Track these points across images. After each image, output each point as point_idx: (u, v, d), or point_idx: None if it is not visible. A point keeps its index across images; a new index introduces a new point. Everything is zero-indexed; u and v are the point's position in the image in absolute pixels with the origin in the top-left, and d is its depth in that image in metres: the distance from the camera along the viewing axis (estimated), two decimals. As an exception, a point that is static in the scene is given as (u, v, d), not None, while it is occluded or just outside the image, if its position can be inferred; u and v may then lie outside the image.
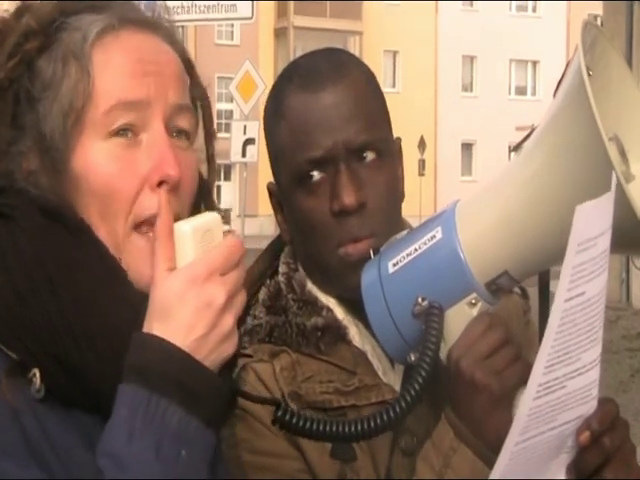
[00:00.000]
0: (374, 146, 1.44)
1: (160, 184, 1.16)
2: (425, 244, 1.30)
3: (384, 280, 1.33)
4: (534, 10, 42.14)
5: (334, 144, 1.41)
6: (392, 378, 1.47)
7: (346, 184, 1.40)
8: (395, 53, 39.27)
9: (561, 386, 1.13)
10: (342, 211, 1.41)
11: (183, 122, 1.21)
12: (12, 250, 1.11)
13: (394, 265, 1.32)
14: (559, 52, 37.72)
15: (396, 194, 1.49)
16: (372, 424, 1.23)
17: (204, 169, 1.30)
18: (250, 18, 9.81)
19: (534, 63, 41.18)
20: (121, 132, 1.16)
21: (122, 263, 1.15)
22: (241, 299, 1.14)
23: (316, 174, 1.42)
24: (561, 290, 1.07)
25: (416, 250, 1.30)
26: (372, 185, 1.43)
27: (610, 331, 10.59)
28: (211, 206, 1.30)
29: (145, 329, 1.09)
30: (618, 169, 1.09)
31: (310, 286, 1.51)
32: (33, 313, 1.09)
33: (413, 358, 1.28)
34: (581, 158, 1.14)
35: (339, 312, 1.49)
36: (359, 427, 1.23)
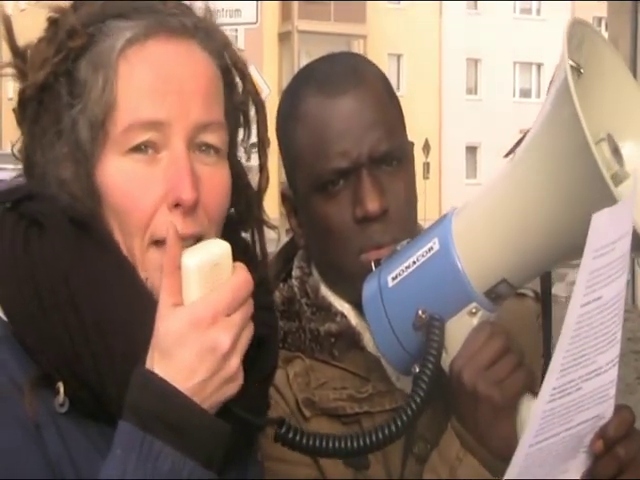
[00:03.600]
0: (394, 153, 1.44)
1: (176, 206, 1.13)
2: (423, 256, 1.29)
3: (384, 294, 1.33)
4: (538, 12, 42.10)
5: (359, 154, 1.41)
6: (406, 384, 1.45)
7: (369, 191, 1.40)
8: (399, 56, 39.23)
9: (577, 388, 1.12)
10: (365, 218, 1.40)
11: (210, 138, 1.17)
12: (42, 263, 1.10)
13: (393, 279, 1.32)
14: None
15: (414, 199, 1.49)
16: (373, 439, 1.23)
17: (255, 179, 1.27)
18: (255, 23, 9.79)
19: (538, 66, 41.12)
20: (141, 148, 1.13)
21: (148, 282, 1.13)
22: (247, 335, 1.09)
23: (338, 181, 1.42)
24: (577, 295, 1.06)
25: (414, 263, 1.30)
26: (393, 191, 1.43)
27: (617, 334, 10.55)
28: (259, 217, 1.28)
29: (148, 363, 1.06)
30: (606, 172, 1.09)
31: (324, 291, 1.51)
32: (56, 328, 1.08)
33: (417, 370, 1.28)
34: (571, 161, 1.14)
35: (353, 318, 1.49)
36: (360, 442, 1.22)
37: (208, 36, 1.20)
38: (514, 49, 40.17)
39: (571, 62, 1.16)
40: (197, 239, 1.12)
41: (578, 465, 1.22)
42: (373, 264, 1.39)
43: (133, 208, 1.13)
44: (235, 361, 1.07)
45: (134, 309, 1.10)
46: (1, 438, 1.04)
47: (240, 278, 1.09)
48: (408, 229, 1.44)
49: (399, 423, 1.23)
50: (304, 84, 1.47)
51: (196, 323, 1.05)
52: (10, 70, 1.19)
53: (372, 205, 1.40)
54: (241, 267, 1.10)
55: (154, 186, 1.13)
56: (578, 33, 1.20)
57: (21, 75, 1.19)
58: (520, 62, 41.30)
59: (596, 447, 1.20)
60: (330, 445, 1.22)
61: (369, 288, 1.35)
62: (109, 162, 1.13)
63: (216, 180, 1.18)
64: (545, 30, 39.37)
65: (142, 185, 1.13)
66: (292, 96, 1.49)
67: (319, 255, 1.50)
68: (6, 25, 1.18)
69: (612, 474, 1.22)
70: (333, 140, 1.42)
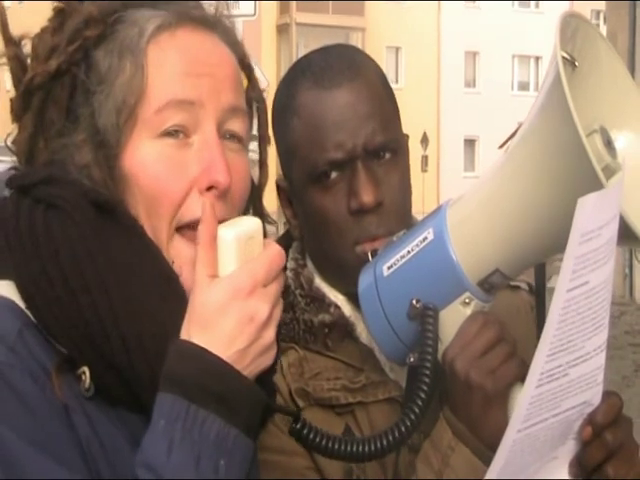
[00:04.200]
0: (389, 145, 1.45)
1: (209, 189, 1.14)
2: (417, 246, 1.30)
3: (379, 283, 1.33)
4: (537, 5, 42.09)
5: (354, 146, 1.42)
6: (399, 375, 1.47)
7: (364, 183, 1.41)
8: (397, 49, 39.22)
9: (564, 374, 1.13)
10: (360, 209, 1.41)
11: (235, 125, 1.19)
12: (65, 244, 1.09)
13: (388, 268, 1.33)
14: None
15: (409, 191, 1.50)
16: (390, 438, 1.23)
17: (255, 173, 1.28)
18: (253, 15, 9.78)
19: (537, 59, 41.12)
20: (172, 132, 1.14)
21: (174, 265, 1.14)
22: (280, 307, 1.12)
23: (333, 173, 1.43)
24: (563, 280, 1.07)
25: (409, 252, 1.31)
26: (388, 183, 1.44)
27: (613, 327, 10.57)
28: (260, 211, 1.29)
29: (183, 336, 1.07)
30: (597, 164, 1.09)
31: (318, 282, 1.51)
32: (83, 310, 1.08)
33: (412, 359, 1.28)
34: (563, 152, 1.14)
35: (347, 309, 1.50)
36: (377, 444, 1.23)
37: (226, 31, 1.23)
38: (513, 42, 40.16)
39: (564, 54, 1.16)
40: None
41: (567, 451, 1.23)
42: (370, 254, 1.39)
43: (165, 191, 1.13)
44: (271, 331, 1.10)
45: (162, 290, 1.11)
46: (37, 423, 1.03)
47: (274, 250, 1.12)
48: (403, 221, 1.45)
49: (412, 417, 1.23)
50: (300, 76, 1.48)
51: (236, 293, 1.07)
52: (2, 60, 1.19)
53: (367, 197, 1.41)
54: (272, 242, 1.13)
55: (186, 169, 1.14)
56: (572, 25, 1.20)
57: (20, 65, 1.19)
58: (518, 55, 41.30)
59: (585, 433, 1.20)
60: (346, 448, 1.22)
61: (365, 278, 1.36)
62: (139, 146, 1.14)
63: (241, 168, 1.19)
64: (544, 23, 39.32)
65: (174, 168, 1.14)
66: (288, 88, 1.49)
67: (314, 246, 1.51)
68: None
69: (600, 460, 1.23)
70: (328, 132, 1.42)
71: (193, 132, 1.15)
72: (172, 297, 1.11)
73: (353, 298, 1.48)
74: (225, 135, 1.18)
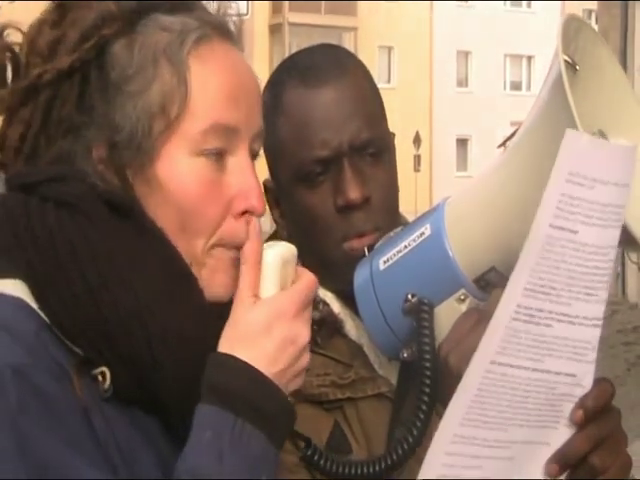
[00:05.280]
0: (375, 143, 1.46)
1: (244, 213, 1.15)
2: (414, 241, 1.31)
3: (375, 277, 1.34)
4: (529, 5, 42.12)
5: (340, 143, 1.43)
6: (388, 371, 1.48)
7: (351, 180, 1.42)
8: (390, 49, 39.21)
9: (546, 323, 1.11)
10: (347, 206, 1.42)
11: (259, 146, 1.20)
12: (82, 242, 1.07)
13: (385, 262, 1.34)
14: (554, 47, 37.52)
15: (396, 188, 1.51)
16: (399, 452, 1.24)
17: None
18: (245, 15, 9.79)
19: (529, 58, 41.15)
20: (211, 154, 1.13)
21: (193, 268, 1.14)
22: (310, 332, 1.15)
23: (320, 171, 1.44)
24: (545, 211, 1.05)
25: (406, 247, 1.32)
26: (374, 180, 1.45)
27: (606, 325, 10.57)
28: None
29: (225, 350, 1.08)
30: None
31: (306, 280, 1.52)
32: (104, 308, 1.06)
33: (405, 354, 1.29)
34: None
35: (335, 306, 1.50)
36: (387, 461, 1.24)
37: (242, 42, 1.23)
38: (505, 42, 40.19)
39: (566, 57, 1.17)
40: None
41: (559, 438, 1.21)
42: (366, 249, 1.40)
43: (201, 212, 1.13)
44: (307, 355, 1.13)
45: (181, 290, 1.11)
46: (62, 421, 1.02)
47: (312, 277, 1.15)
48: (390, 217, 1.46)
49: (419, 425, 1.24)
50: (286, 75, 1.49)
51: (281, 315, 1.10)
52: None
53: (353, 193, 1.42)
54: (305, 269, 1.17)
55: (223, 192, 1.14)
56: (572, 28, 1.21)
57: (12, 57, 1.16)
58: (510, 55, 41.32)
59: (577, 417, 1.19)
60: (356, 471, 1.24)
61: (361, 272, 1.37)
62: (175, 160, 1.12)
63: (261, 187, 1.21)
64: (536, 23, 39.42)
65: (213, 191, 1.14)
66: (273, 87, 1.50)
67: (302, 245, 1.51)
68: None
69: (587, 449, 1.22)
70: (314, 130, 1.43)
71: (228, 154, 1.15)
72: (191, 297, 1.12)
73: (342, 295, 1.49)
74: (252, 156, 1.19)
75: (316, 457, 1.23)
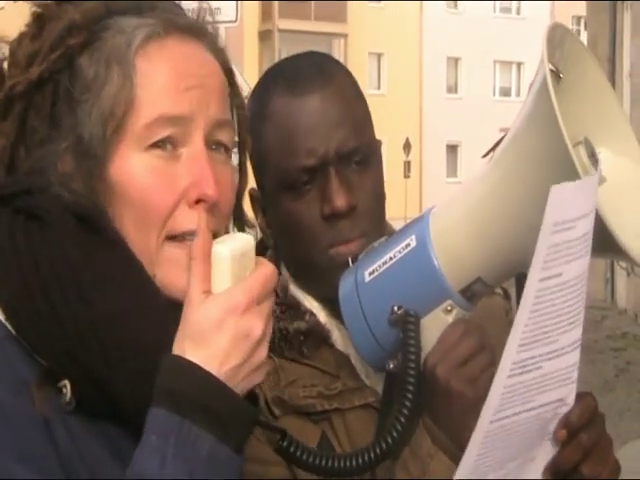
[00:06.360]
0: (362, 150, 1.45)
1: (197, 202, 1.14)
2: (400, 252, 1.30)
3: (360, 289, 1.33)
4: (518, 12, 42.24)
5: (326, 152, 1.42)
6: (375, 381, 1.47)
7: (337, 188, 1.42)
8: (380, 55, 39.30)
9: (537, 366, 1.13)
10: (333, 215, 1.42)
11: (222, 135, 1.19)
12: (46, 258, 1.08)
13: (370, 274, 1.33)
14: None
15: (382, 196, 1.51)
16: (377, 451, 1.23)
17: (235, 178, 1.28)
18: (234, 21, 9.77)
19: (518, 64, 41.28)
20: (160, 144, 1.14)
21: (156, 279, 1.13)
22: (271, 325, 1.12)
23: (306, 179, 1.43)
24: (535, 268, 1.07)
25: (391, 259, 1.31)
26: (361, 188, 1.44)
27: (595, 331, 10.62)
28: (240, 216, 1.29)
29: (176, 351, 1.07)
30: (583, 176, 1.10)
31: (293, 290, 1.51)
32: (64, 324, 1.07)
33: (391, 365, 1.29)
34: (549, 163, 1.15)
35: (322, 316, 1.49)
36: (365, 458, 1.23)
37: (211, 38, 1.22)
38: (494, 48, 40.32)
39: (551, 66, 1.17)
40: (213, 237, 1.13)
41: (544, 453, 1.23)
42: (350, 260, 1.40)
43: (154, 204, 1.13)
44: (264, 349, 1.10)
45: (144, 304, 1.11)
46: (16, 436, 1.02)
47: (269, 268, 1.12)
48: (376, 224, 1.45)
49: (399, 428, 1.23)
50: (271, 83, 1.49)
51: (232, 309, 1.07)
52: None
53: (340, 202, 1.41)
54: (265, 260, 1.13)
55: (175, 182, 1.14)
56: (557, 36, 1.21)
57: None
58: (500, 61, 41.47)
59: (559, 435, 1.21)
60: (333, 464, 1.23)
61: (345, 283, 1.36)
62: (127, 158, 1.13)
63: (227, 178, 1.20)
64: (525, 29, 39.52)
65: (163, 181, 1.13)
66: (260, 95, 1.50)
67: (288, 253, 1.51)
68: None
69: (576, 461, 1.23)
70: (300, 138, 1.43)
71: (181, 144, 1.15)
72: (154, 311, 1.11)
73: (329, 305, 1.48)
74: (212, 146, 1.18)
75: (292, 449, 1.21)
